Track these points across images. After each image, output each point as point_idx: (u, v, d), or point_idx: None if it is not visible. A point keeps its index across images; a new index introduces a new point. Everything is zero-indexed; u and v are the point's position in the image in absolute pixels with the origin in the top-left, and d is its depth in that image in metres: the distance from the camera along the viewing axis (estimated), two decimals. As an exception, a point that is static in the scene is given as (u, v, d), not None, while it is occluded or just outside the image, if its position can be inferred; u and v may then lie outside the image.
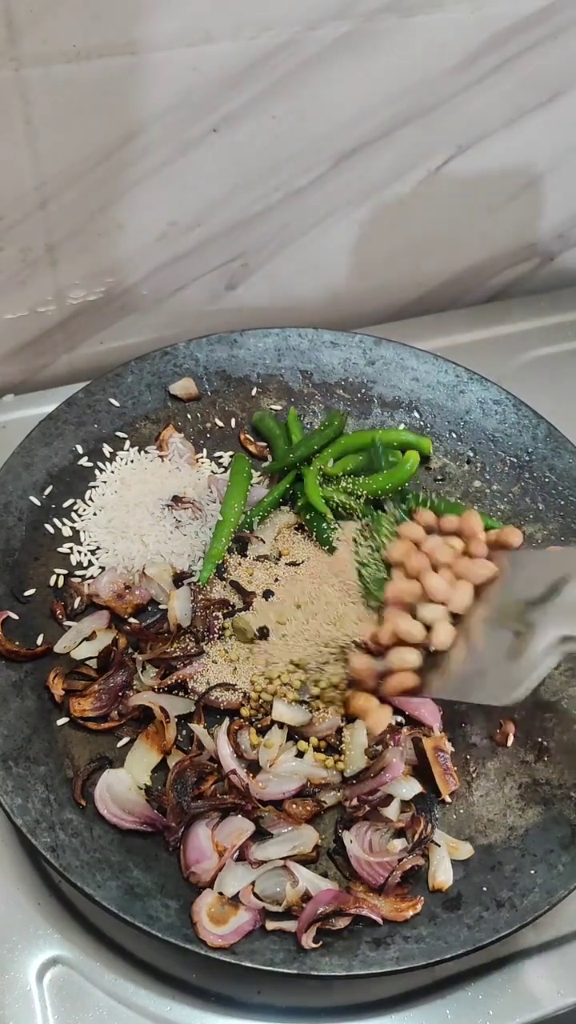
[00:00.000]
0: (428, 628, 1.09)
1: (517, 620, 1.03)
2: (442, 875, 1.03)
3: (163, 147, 1.33)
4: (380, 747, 1.10)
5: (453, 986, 1.04)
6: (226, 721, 1.10)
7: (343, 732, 1.12)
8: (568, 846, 1.05)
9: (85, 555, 1.26)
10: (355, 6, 1.27)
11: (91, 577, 1.24)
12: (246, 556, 1.24)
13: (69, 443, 1.33)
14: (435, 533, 1.19)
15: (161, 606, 1.22)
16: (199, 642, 1.16)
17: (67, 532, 1.27)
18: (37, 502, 1.27)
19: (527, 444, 1.38)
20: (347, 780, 1.09)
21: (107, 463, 1.34)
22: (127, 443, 1.37)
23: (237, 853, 1.03)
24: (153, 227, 1.43)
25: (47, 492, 1.29)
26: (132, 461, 1.35)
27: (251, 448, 1.39)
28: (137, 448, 1.37)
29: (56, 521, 1.28)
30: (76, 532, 1.28)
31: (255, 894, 1.00)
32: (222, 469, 1.36)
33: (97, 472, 1.33)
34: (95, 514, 1.29)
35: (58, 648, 1.17)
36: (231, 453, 1.38)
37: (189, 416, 1.41)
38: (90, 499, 1.31)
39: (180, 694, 1.14)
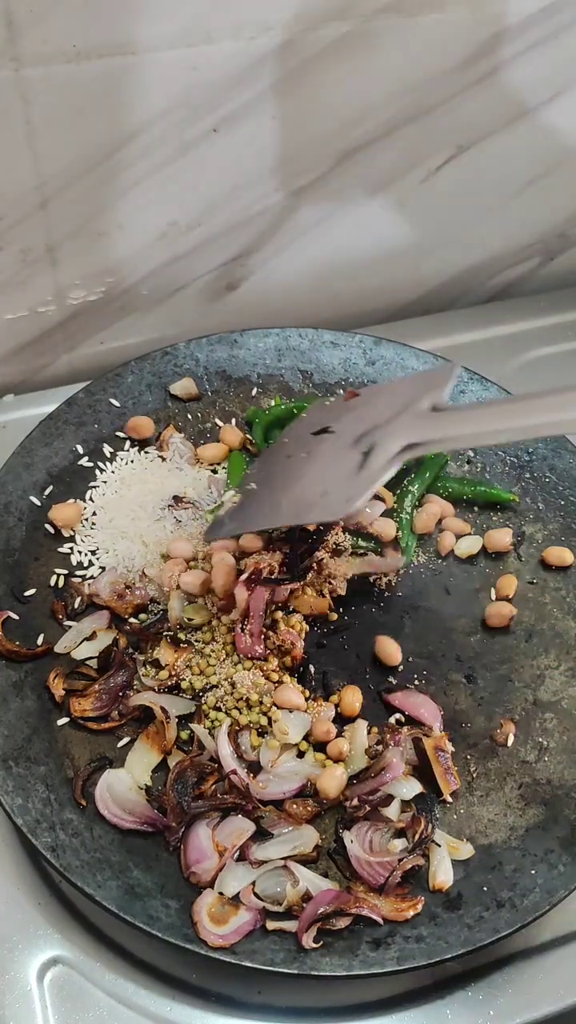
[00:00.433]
0: None
1: (366, 439, 1.01)
2: (442, 875, 1.03)
3: (163, 147, 1.33)
4: (380, 747, 1.10)
5: (453, 986, 1.04)
6: (227, 721, 1.10)
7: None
8: (568, 846, 1.05)
9: (85, 555, 1.26)
10: (355, 6, 1.27)
11: (91, 577, 1.24)
12: None
13: (69, 443, 1.33)
14: None
15: (161, 606, 1.22)
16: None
17: (67, 532, 1.27)
18: (37, 502, 1.27)
19: (527, 444, 1.38)
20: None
21: (107, 463, 1.34)
22: (127, 443, 1.37)
23: (237, 853, 1.03)
24: (153, 227, 1.43)
25: (47, 492, 1.29)
26: (132, 461, 1.35)
27: (251, 448, 1.39)
28: (137, 448, 1.36)
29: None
30: (76, 532, 1.28)
31: (255, 894, 1.00)
32: (224, 468, 1.36)
33: (97, 472, 1.33)
34: (95, 514, 1.29)
35: (58, 648, 1.16)
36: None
37: (189, 416, 1.41)
38: (90, 499, 1.31)
39: (180, 694, 1.14)
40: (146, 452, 1.36)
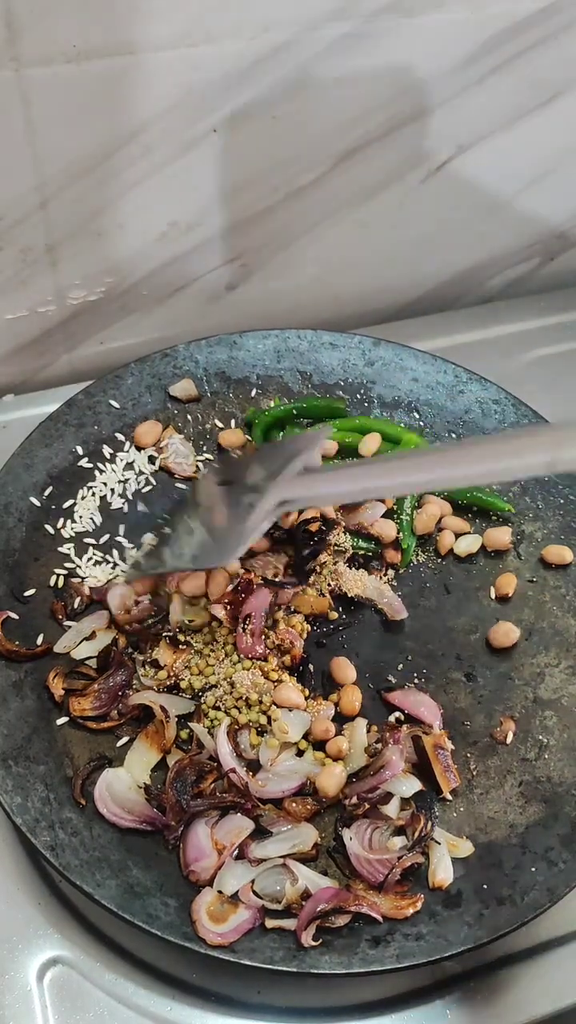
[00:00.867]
0: None
1: (251, 494, 1.09)
2: (442, 873, 1.03)
3: (163, 147, 1.33)
4: (380, 745, 1.10)
5: (453, 986, 1.04)
6: (226, 720, 1.10)
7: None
8: (568, 843, 1.05)
9: (85, 555, 1.26)
10: (355, 6, 1.27)
11: (91, 577, 1.24)
12: None
13: (69, 444, 1.34)
14: None
15: (161, 608, 1.21)
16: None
17: (67, 533, 1.27)
18: (37, 503, 1.28)
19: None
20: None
21: (107, 464, 1.34)
22: (127, 444, 1.37)
23: (237, 851, 1.03)
24: (153, 227, 1.43)
25: (47, 493, 1.29)
26: (132, 462, 1.35)
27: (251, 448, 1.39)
28: (137, 449, 1.37)
29: (56, 521, 1.28)
30: (76, 533, 1.28)
31: (255, 892, 1.00)
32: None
33: (97, 473, 1.33)
34: (95, 515, 1.30)
35: (58, 648, 1.17)
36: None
37: (189, 417, 1.41)
38: (90, 499, 1.31)
39: (180, 694, 1.14)
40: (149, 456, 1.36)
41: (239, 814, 1.04)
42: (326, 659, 1.19)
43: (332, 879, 1.02)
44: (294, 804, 1.06)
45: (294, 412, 1.37)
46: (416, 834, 1.04)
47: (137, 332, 1.56)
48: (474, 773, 1.13)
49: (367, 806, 1.05)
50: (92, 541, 1.28)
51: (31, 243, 1.37)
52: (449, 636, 1.23)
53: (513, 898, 1.01)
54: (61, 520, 1.28)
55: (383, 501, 1.29)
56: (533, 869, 1.03)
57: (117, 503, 1.32)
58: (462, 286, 1.74)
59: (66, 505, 1.30)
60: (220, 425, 1.41)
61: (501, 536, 1.29)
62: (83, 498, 1.31)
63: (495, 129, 1.50)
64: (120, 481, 1.33)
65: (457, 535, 1.31)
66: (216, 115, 1.32)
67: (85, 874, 0.99)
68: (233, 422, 1.41)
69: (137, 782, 1.07)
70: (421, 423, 1.42)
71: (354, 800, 1.05)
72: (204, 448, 1.39)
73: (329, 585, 1.23)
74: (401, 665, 1.20)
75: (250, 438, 1.39)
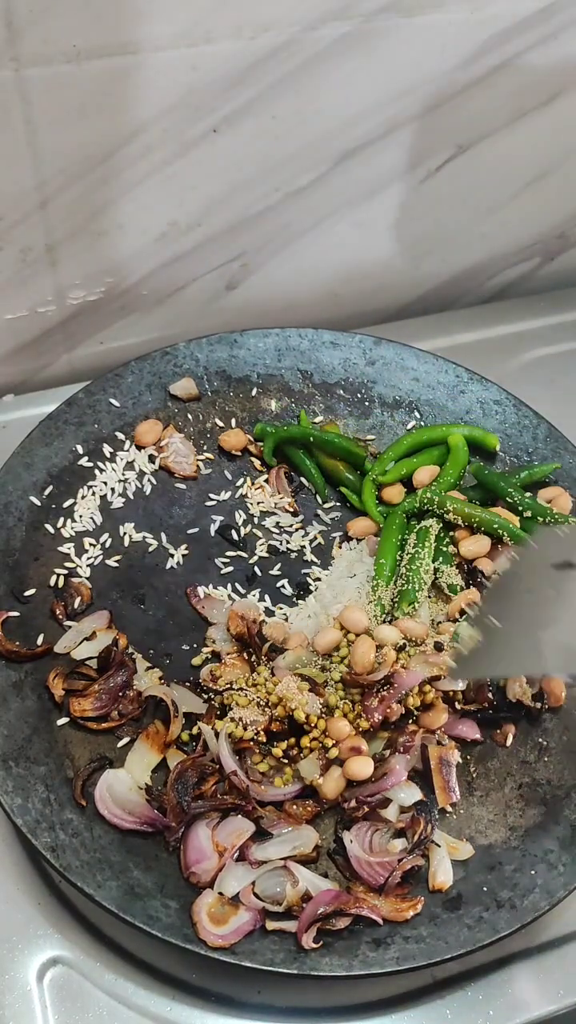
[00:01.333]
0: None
1: (548, 584, 0.99)
2: (442, 875, 1.03)
3: (163, 147, 1.33)
4: (387, 752, 1.09)
5: (453, 986, 1.04)
6: (228, 722, 1.10)
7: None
8: (568, 846, 1.05)
9: (85, 555, 1.26)
10: (355, 6, 1.26)
11: (89, 577, 1.24)
12: None
13: (69, 443, 1.33)
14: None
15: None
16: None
17: (67, 532, 1.27)
18: (37, 502, 1.27)
19: (527, 444, 1.38)
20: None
21: (107, 463, 1.34)
22: (127, 443, 1.37)
23: (237, 853, 1.03)
24: (153, 227, 1.43)
25: (47, 492, 1.29)
26: (133, 461, 1.35)
27: (251, 448, 1.39)
28: (137, 448, 1.37)
29: (56, 521, 1.28)
30: (76, 532, 1.28)
31: (255, 894, 1.00)
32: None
33: (97, 472, 1.33)
34: (95, 514, 1.30)
35: (58, 648, 1.17)
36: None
37: (189, 416, 1.41)
38: (91, 499, 1.31)
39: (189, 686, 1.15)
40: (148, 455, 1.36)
41: (240, 816, 1.04)
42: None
43: (333, 881, 1.03)
44: (294, 806, 1.06)
45: (311, 439, 1.36)
46: (416, 837, 1.04)
47: (137, 332, 1.56)
48: (474, 775, 1.13)
49: (366, 809, 1.05)
50: (92, 541, 1.28)
51: (31, 243, 1.37)
52: (449, 637, 1.23)
53: (513, 900, 1.01)
54: (61, 519, 1.28)
55: None
56: (533, 872, 1.03)
57: (117, 502, 1.32)
58: (462, 286, 1.74)
59: (66, 504, 1.30)
60: (221, 424, 1.41)
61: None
62: (83, 497, 1.31)
63: (495, 129, 1.50)
64: (120, 480, 1.33)
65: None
66: (216, 115, 1.32)
67: (86, 875, 0.99)
68: (234, 421, 1.41)
69: (138, 783, 1.08)
70: (422, 423, 1.42)
71: (353, 804, 1.05)
72: (204, 447, 1.39)
73: None
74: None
75: (251, 438, 1.39)
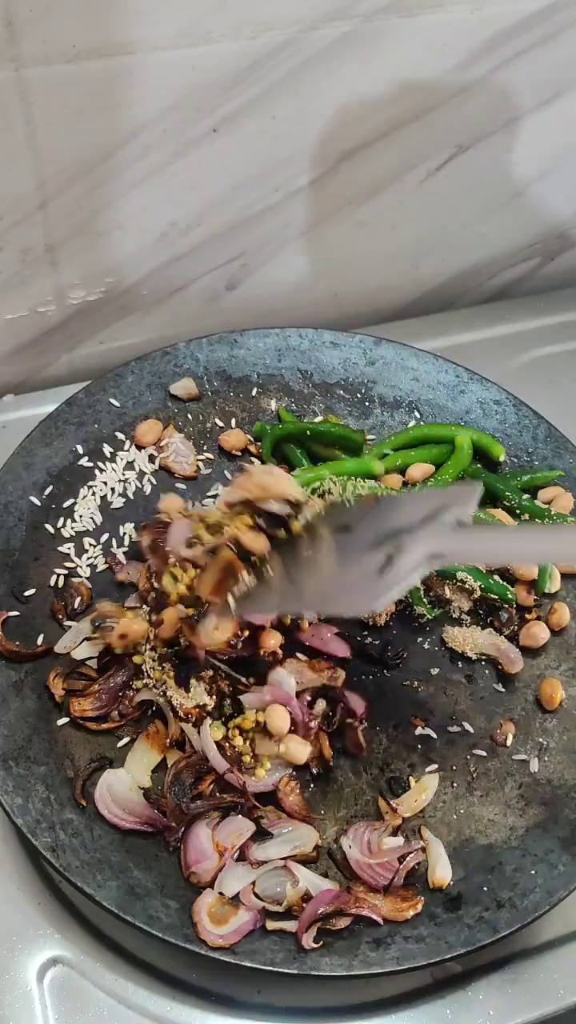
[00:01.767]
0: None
1: (390, 543, 1.03)
2: (441, 871, 1.03)
3: (163, 147, 1.33)
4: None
5: (453, 986, 1.04)
6: (207, 721, 1.09)
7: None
8: (568, 846, 1.05)
9: (85, 555, 1.27)
10: (355, 6, 1.27)
11: (89, 577, 1.25)
12: None
13: (69, 443, 1.33)
14: None
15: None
16: None
17: (67, 532, 1.27)
18: (37, 502, 1.27)
19: (527, 444, 1.38)
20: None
21: (107, 463, 1.34)
22: (127, 443, 1.37)
23: (237, 853, 1.03)
24: (153, 227, 1.43)
25: (47, 492, 1.29)
26: (133, 461, 1.35)
27: (251, 448, 1.39)
28: (137, 448, 1.37)
29: (56, 521, 1.28)
30: (76, 532, 1.28)
31: (255, 894, 1.00)
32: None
33: (97, 472, 1.33)
34: (95, 514, 1.30)
35: (58, 648, 1.16)
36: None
37: (189, 416, 1.41)
38: (91, 499, 1.31)
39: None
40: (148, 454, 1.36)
41: (240, 816, 1.04)
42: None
43: (333, 881, 1.03)
44: (290, 797, 1.06)
45: (307, 432, 1.36)
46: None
47: (137, 332, 1.56)
48: (474, 775, 1.13)
49: None
50: (92, 541, 1.28)
51: (31, 243, 1.37)
52: (449, 637, 1.23)
53: (513, 900, 1.01)
54: (61, 519, 1.28)
55: None
56: (533, 871, 1.03)
57: (117, 502, 1.32)
58: (462, 286, 1.74)
59: (66, 504, 1.30)
60: (221, 424, 1.41)
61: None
62: (83, 497, 1.31)
63: (495, 129, 1.50)
64: (120, 480, 1.33)
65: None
66: (216, 115, 1.32)
67: (86, 875, 0.99)
68: (234, 421, 1.41)
69: (138, 783, 1.08)
70: (422, 423, 1.42)
71: None
72: (205, 447, 1.39)
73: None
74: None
75: (251, 438, 1.39)
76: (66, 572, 1.24)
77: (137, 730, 1.12)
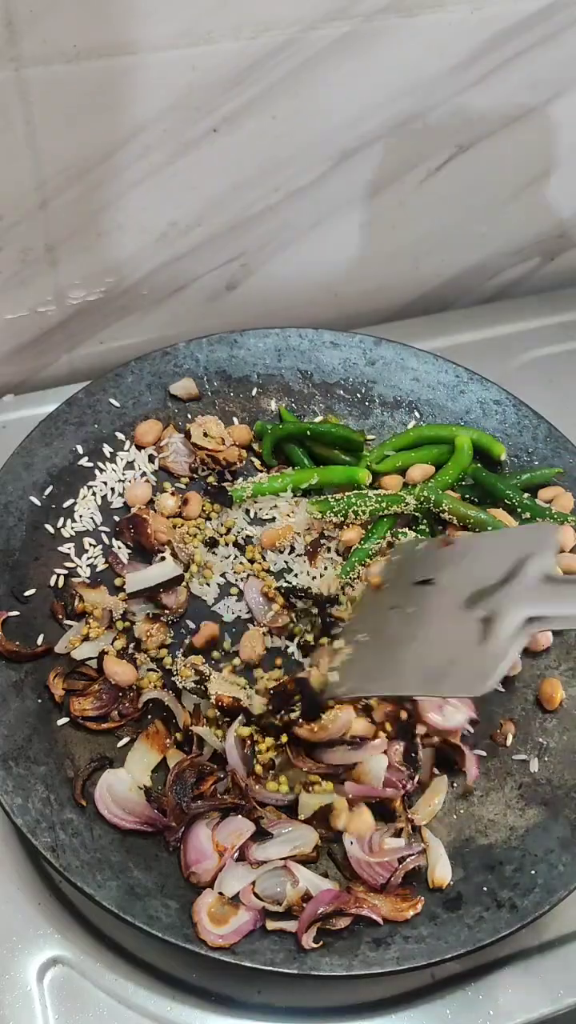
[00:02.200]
0: None
1: (482, 604, 0.99)
2: (440, 871, 1.03)
3: (163, 147, 1.33)
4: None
5: (453, 986, 1.04)
6: (237, 721, 1.10)
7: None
8: (568, 846, 1.05)
9: (85, 555, 1.27)
10: (355, 6, 1.27)
11: (90, 577, 1.25)
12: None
13: (69, 443, 1.33)
14: None
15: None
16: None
17: (67, 532, 1.27)
18: (37, 502, 1.27)
19: (527, 444, 1.38)
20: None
21: (107, 463, 1.34)
22: (127, 443, 1.37)
23: (237, 853, 1.03)
24: (153, 227, 1.43)
25: (47, 492, 1.29)
26: (133, 461, 1.35)
27: (255, 447, 1.39)
28: (137, 448, 1.37)
29: (56, 521, 1.28)
30: (76, 532, 1.28)
31: (255, 894, 1.00)
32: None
33: (97, 472, 1.33)
34: (95, 514, 1.30)
35: (58, 648, 1.17)
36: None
37: (189, 416, 1.41)
38: (91, 499, 1.31)
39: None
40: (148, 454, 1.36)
41: (240, 816, 1.04)
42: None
43: (333, 881, 1.03)
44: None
45: (307, 432, 1.36)
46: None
47: (137, 332, 1.56)
48: (474, 775, 1.13)
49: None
50: (92, 541, 1.28)
51: (31, 243, 1.37)
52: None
53: (513, 900, 1.01)
54: (61, 519, 1.28)
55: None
56: (533, 872, 1.03)
57: (117, 502, 1.32)
58: (462, 286, 1.74)
59: (66, 504, 1.30)
60: (221, 423, 1.41)
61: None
62: (83, 497, 1.31)
63: (495, 129, 1.50)
64: (120, 480, 1.33)
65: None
66: (216, 115, 1.32)
67: (86, 875, 0.99)
68: (234, 421, 1.41)
69: (138, 783, 1.08)
70: (422, 423, 1.42)
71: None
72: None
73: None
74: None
75: (252, 437, 1.39)
76: (66, 572, 1.24)
77: (137, 730, 1.12)
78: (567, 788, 1.10)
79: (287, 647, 1.20)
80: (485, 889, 1.03)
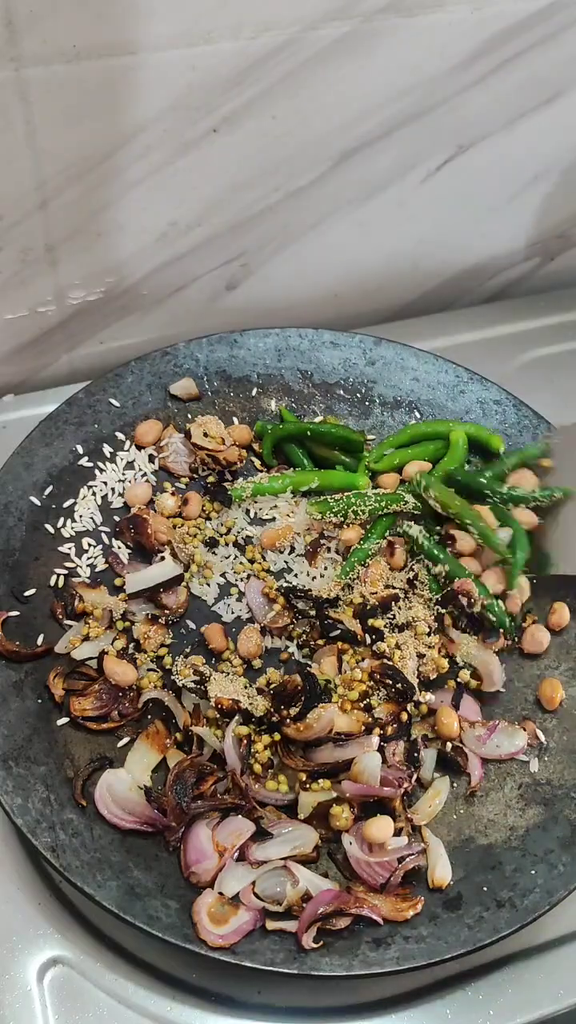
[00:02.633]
0: None
1: None
2: (440, 871, 1.03)
3: (163, 147, 1.33)
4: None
5: (453, 986, 1.04)
6: (235, 720, 1.10)
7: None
8: (568, 846, 1.05)
9: (85, 555, 1.27)
10: (355, 6, 1.26)
11: (90, 577, 1.25)
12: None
13: (69, 443, 1.33)
14: None
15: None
16: None
17: (67, 532, 1.27)
18: (37, 502, 1.27)
19: (527, 444, 1.38)
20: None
21: (107, 463, 1.34)
22: (127, 443, 1.37)
23: (237, 853, 1.03)
24: (153, 227, 1.43)
25: (47, 492, 1.29)
26: (133, 461, 1.35)
27: (255, 447, 1.39)
28: (137, 448, 1.37)
29: (56, 521, 1.28)
30: (76, 532, 1.28)
31: (255, 894, 1.00)
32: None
33: (97, 472, 1.33)
34: (95, 514, 1.30)
35: (58, 648, 1.17)
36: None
37: (189, 416, 1.41)
38: (91, 499, 1.31)
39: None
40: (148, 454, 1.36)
41: (240, 816, 1.04)
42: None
43: (333, 881, 1.03)
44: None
45: (308, 432, 1.36)
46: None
47: (137, 332, 1.56)
48: (474, 775, 1.13)
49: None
50: (92, 541, 1.28)
51: (31, 243, 1.37)
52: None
53: (513, 900, 1.01)
54: (61, 519, 1.28)
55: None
56: (533, 872, 1.03)
57: (117, 502, 1.32)
58: (462, 286, 1.74)
59: (66, 504, 1.30)
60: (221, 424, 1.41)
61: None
62: (83, 497, 1.31)
63: (495, 129, 1.50)
64: (120, 480, 1.33)
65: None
66: (216, 115, 1.32)
67: (86, 875, 0.99)
68: (234, 421, 1.41)
69: (138, 783, 1.08)
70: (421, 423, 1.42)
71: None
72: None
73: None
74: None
75: (252, 437, 1.39)
76: (66, 572, 1.24)
77: (137, 730, 1.12)
78: (567, 788, 1.10)
79: (287, 647, 1.20)
80: (485, 889, 1.03)
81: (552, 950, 1.08)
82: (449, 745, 1.13)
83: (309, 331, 1.46)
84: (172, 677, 1.14)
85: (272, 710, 1.09)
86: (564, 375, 1.61)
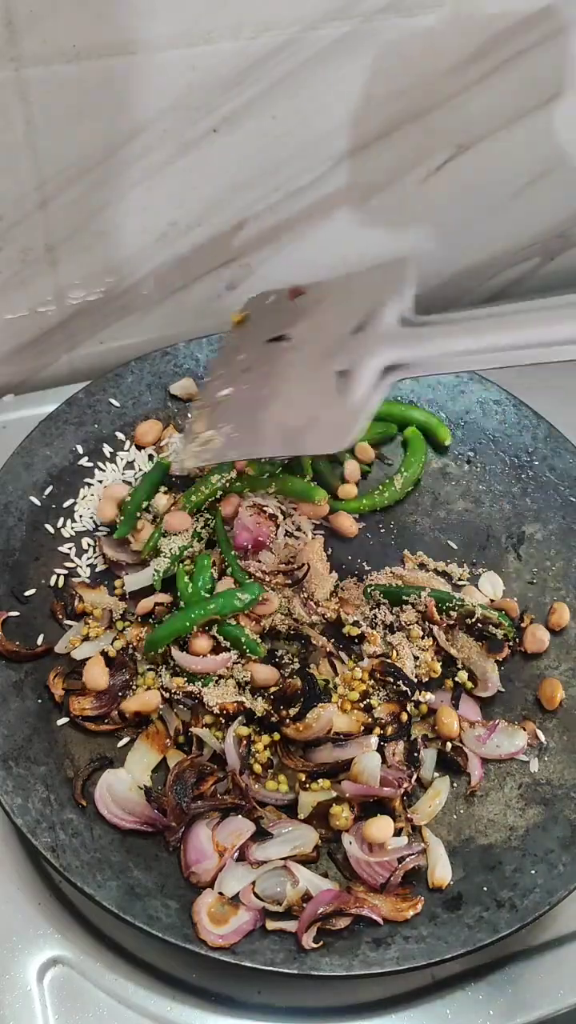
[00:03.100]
0: None
1: (338, 357, 0.93)
2: (440, 871, 1.03)
3: (163, 147, 1.33)
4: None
5: (453, 986, 1.04)
6: (237, 721, 1.10)
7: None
8: (568, 846, 1.05)
9: (85, 555, 1.27)
10: (355, 6, 1.27)
11: (90, 577, 1.25)
12: None
13: (69, 443, 1.33)
14: None
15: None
16: None
17: (67, 532, 1.27)
18: (37, 502, 1.27)
19: (527, 444, 1.38)
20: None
21: (107, 463, 1.34)
22: (127, 443, 1.37)
23: (237, 853, 1.03)
24: (153, 227, 1.43)
25: (47, 492, 1.29)
26: (133, 461, 1.35)
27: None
28: (137, 448, 1.37)
29: (56, 521, 1.28)
30: (76, 532, 1.28)
31: (255, 894, 1.00)
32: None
33: (97, 472, 1.33)
34: (95, 514, 1.29)
35: (58, 648, 1.17)
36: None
37: (189, 416, 1.40)
38: (91, 499, 1.31)
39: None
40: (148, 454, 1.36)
41: (240, 816, 1.04)
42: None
43: (333, 881, 1.03)
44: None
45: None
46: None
47: (137, 332, 1.56)
48: (474, 775, 1.13)
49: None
50: (92, 541, 1.28)
51: (31, 243, 1.37)
52: (449, 637, 1.23)
53: (513, 900, 1.01)
54: (61, 519, 1.28)
55: None
56: (533, 871, 1.03)
57: (117, 503, 1.32)
58: (462, 286, 1.74)
59: (66, 504, 1.30)
60: (220, 425, 1.41)
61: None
62: (83, 497, 1.31)
63: (495, 129, 1.50)
64: (120, 480, 1.33)
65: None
66: (216, 115, 1.32)
67: (86, 875, 0.99)
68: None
69: (138, 783, 1.08)
70: (421, 423, 1.42)
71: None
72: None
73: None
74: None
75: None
76: (66, 572, 1.24)
77: (137, 730, 1.12)
78: (567, 788, 1.10)
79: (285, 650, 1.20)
80: (485, 889, 1.03)
81: (552, 950, 1.08)
82: (449, 745, 1.13)
83: (309, 331, 1.46)
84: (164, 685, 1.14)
85: (272, 710, 1.09)
86: (564, 375, 1.61)
